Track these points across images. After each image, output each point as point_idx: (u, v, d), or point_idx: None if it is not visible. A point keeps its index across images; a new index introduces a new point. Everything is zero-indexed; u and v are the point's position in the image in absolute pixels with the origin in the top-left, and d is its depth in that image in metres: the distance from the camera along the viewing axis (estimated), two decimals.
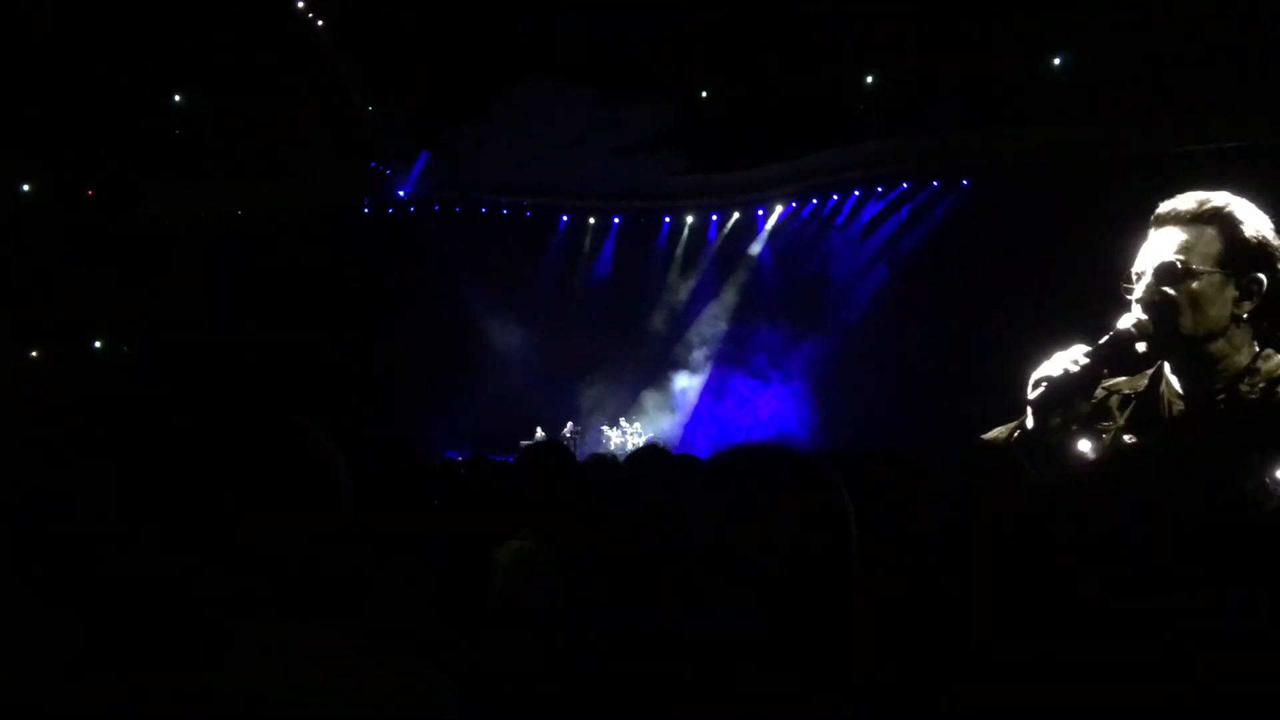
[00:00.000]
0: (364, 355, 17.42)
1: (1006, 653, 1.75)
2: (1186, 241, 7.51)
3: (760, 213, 18.42)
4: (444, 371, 17.48)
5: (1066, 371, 7.63)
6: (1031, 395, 7.76)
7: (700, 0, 15.63)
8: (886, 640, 1.57)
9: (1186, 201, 7.64)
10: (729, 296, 18.55)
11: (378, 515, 2.26)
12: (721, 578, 1.51)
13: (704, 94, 17.62)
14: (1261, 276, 7.15)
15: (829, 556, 1.52)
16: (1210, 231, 7.43)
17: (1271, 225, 7.39)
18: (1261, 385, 7.14)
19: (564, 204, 19.24)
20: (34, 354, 16.98)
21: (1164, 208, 7.74)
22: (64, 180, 17.39)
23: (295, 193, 18.82)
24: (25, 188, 17.15)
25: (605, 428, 17.20)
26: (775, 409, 17.08)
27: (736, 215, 18.70)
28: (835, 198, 17.54)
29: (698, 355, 18.33)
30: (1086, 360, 7.61)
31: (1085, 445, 7.30)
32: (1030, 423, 7.71)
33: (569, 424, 17.04)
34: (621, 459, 3.86)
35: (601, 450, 15.08)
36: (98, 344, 17.80)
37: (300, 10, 16.70)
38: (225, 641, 1.23)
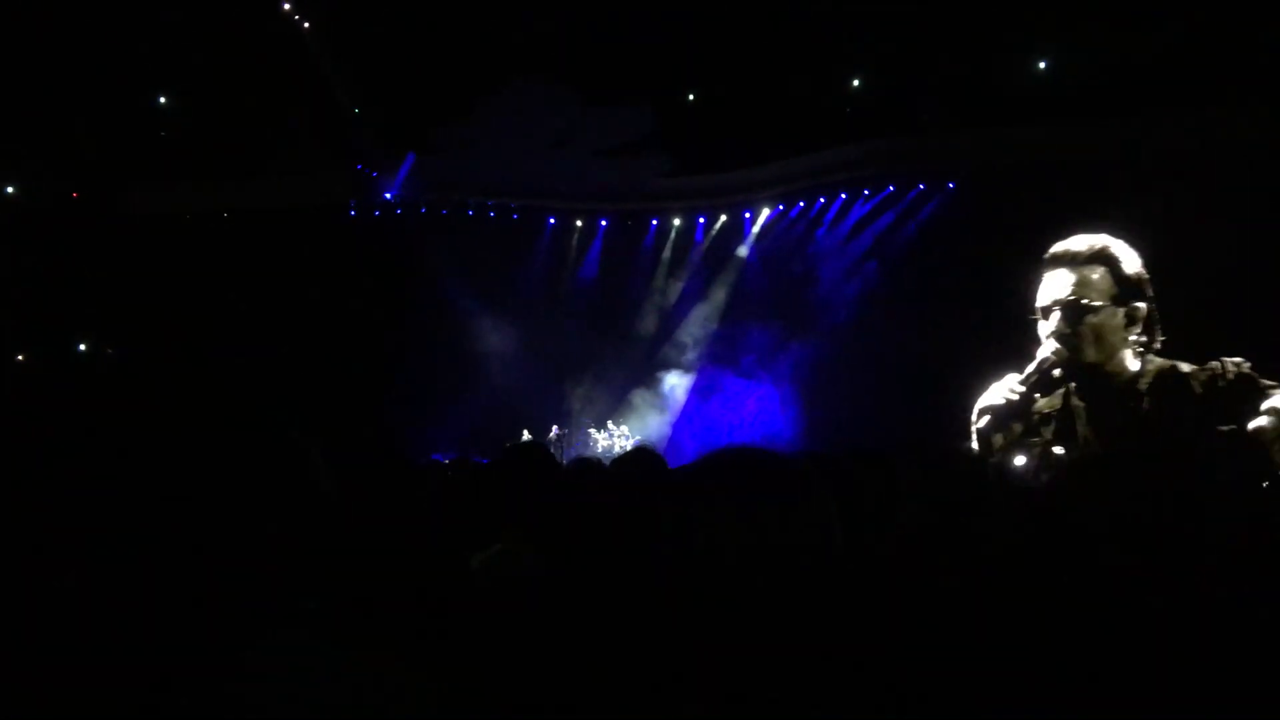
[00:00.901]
0: (350, 358, 17.36)
1: (995, 652, 1.76)
2: (1081, 280, 9.60)
3: (747, 215, 18.46)
4: (431, 374, 17.45)
5: (1007, 400, 9.69)
6: (979, 424, 9.78)
7: (686, 1, 15.63)
8: (873, 639, 1.58)
9: (1078, 244, 9.89)
10: (717, 298, 18.57)
11: (362, 519, 2.26)
12: (705, 580, 1.52)
13: (690, 96, 17.64)
14: (1142, 305, 8.95)
15: (812, 558, 1.53)
16: (1101, 270, 9.44)
17: (1140, 261, 9.22)
18: (1150, 382, 8.76)
19: (550, 206, 19.23)
20: (20, 357, 16.87)
21: (1058, 249, 10.02)
22: (48, 181, 17.28)
23: (281, 194, 18.73)
24: (10, 189, 17.03)
25: (592, 430, 17.21)
26: (764, 409, 17.14)
27: (724, 217, 18.71)
28: (822, 200, 17.61)
29: (686, 356, 18.36)
30: (1022, 388, 9.64)
31: (1022, 460, 8.88)
32: (976, 446, 9.42)
33: (554, 428, 17.04)
34: (607, 462, 3.88)
35: (588, 453, 15.11)
36: (82, 346, 17.69)
37: (286, 11, 16.64)
38: (218, 647, 1.23)
